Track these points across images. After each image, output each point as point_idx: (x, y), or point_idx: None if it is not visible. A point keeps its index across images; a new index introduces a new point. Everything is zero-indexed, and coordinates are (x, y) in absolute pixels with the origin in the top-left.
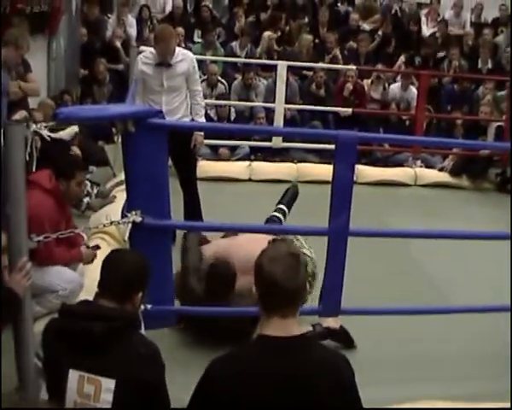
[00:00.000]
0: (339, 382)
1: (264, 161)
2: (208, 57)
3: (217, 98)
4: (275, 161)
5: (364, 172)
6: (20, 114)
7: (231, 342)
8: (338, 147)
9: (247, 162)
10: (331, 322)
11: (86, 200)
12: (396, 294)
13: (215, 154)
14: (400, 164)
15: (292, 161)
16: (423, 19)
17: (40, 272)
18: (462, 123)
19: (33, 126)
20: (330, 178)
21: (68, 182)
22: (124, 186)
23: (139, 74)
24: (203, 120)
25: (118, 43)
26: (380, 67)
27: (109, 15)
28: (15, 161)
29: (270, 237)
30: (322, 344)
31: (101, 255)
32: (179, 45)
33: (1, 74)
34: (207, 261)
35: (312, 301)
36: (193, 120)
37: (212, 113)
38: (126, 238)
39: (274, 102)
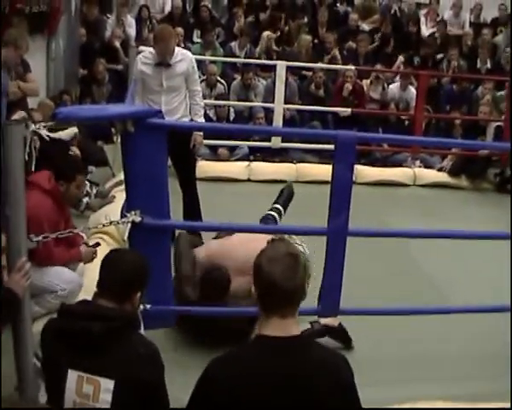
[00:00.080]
0: (338, 382)
1: (264, 161)
2: (207, 57)
3: (216, 98)
4: (274, 162)
5: (363, 172)
6: (19, 115)
7: (229, 343)
8: (337, 147)
9: (246, 162)
10: (329, 320)
11: (85, 200)
12: (395, 294)
13: (214, 154)
14: (399, 164)
15: (291, 162)
16: (422, 19)
17: (39, 273)
18: (462, 123)
19: (32, 126)
20: (329, 179)
21: (68, 184)
22: (123, 186)
23: (138, 74)
24: (202, 120)
25: (117, 44)
26: (379, 67)
27: (108, 15)
28: (14, 161)
29: (265, 236)
30: (322, 344)
31: (101, 255)
32: (178, 45)
33: (0, 74)
34: (201, 266)
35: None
36: (192, 120)
37: (211, 113)
38: (125, 238)
39: (273, 102)
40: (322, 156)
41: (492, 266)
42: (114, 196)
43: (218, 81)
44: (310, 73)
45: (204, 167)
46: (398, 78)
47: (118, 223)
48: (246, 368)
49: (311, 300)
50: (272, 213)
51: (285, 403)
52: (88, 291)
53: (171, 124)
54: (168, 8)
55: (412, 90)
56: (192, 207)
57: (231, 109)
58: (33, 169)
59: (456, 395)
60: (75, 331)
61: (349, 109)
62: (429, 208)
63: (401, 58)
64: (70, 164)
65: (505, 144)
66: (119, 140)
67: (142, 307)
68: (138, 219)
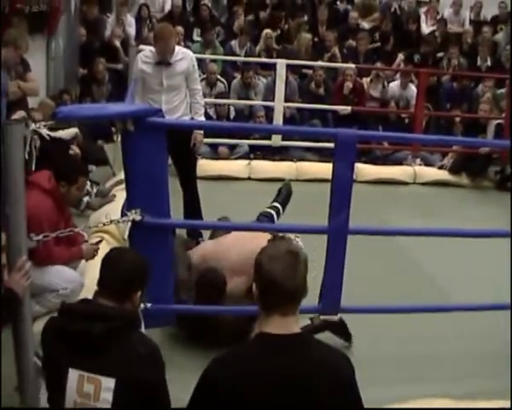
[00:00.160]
0: (338, 381)
1: (264, 159)
2: (207, 56)
3: (216, 97)
4: (274, 160)
5: (364, 170)
6: (19, 115)
7: (229, 343)
8: (337, 145)
9: (246, 161)
10: None
11: (86, 199)
12: (395, 292)
13: (214, 152)
14: (399, 162)
15: (291, 160)
16: (422, 17)
17: (40, 272)
18: (462, 121)
19: (32, 125)
20: (329, 177)
21: (70, 186)
22: (123, 185)
23: (139, 73)
24: (203, 118)
25: (117, 43)
26: (379, 65)
27: (108, 15)
28: (15, 161)
29: (261, 235)
30: (323, 342)
31: (101, 254)
32: (178, 44)
33: (0, 74)
34: (196, 268)
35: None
36: (192, 118)
37: (211, 111)
38: (126, 237)
39: (273, 100)
40: (322, 154)
41: (492, 264)
42: (115, 195)
43: (219, 80)
44: (310, 72)
45: (204, 166)
46: (398, 76)
47: (118, 222)
48: (246, 368)
49: (311, 298)
50: (269, 210)
51: (285, 403)
52: (89, 290)
53: (171, 123)
54: (168, 7)
55: (412, 88)
56: (192, 206)
57: (231, 108)
58: (33, 168)
59: (456, 394)
60: (76, 331)
61: (349, 107)
62: (429, 206)
63: (401, 56)
64: (72, 165)
65: (505, 142)
66: (119, 139)
67: (142, 305)
68: (138, 217)
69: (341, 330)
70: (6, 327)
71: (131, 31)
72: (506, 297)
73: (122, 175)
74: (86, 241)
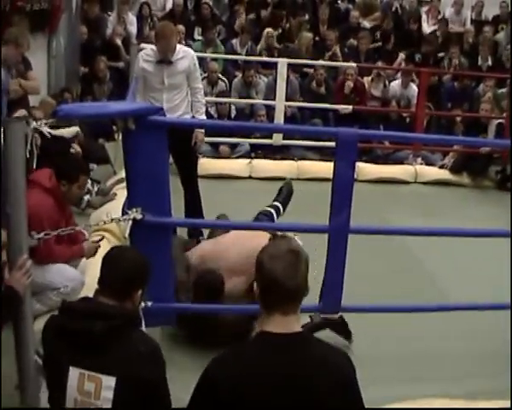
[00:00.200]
0: (339, 380)
1: (265, 158)
2: (209, 55)
3: (217, 96)
4: (275, 159)
5: (365, 169)
6: (20, 113)
7: (229, 342)
8: (338, 144)
9: (247, 160)
10: None
11: (87, 198)
12: (396, 291)
13: (215, 151)
14: (400, 161)
15: (292, 159)
16: (424, 16)
17: (41, 270)
18: (463, 121)
19: (33, 124)
20: (330, 176)
21: (71, 185)
22: (124, 184)
23: (140, 72)
24: (204, 117)
25: (118, 41)
26: (380, 64)
27: (109, 13)
28: (15, 159)
29: (260, 234)
30: (324, 341)
31: (102, 253)
32: (180, 43)
33: (1, 72)
34: (194, 269)
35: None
36: (193, 117)
37: (212, 110)
38: (127, 236)
39: (274, 99)
40: (323, 153)
41: (493, 264)
42: (115, 194)
43: (220, 78)
44: (311, 71)
45: (205, 165)
46: (399, 75)
47: (119, 220)
48: (246, 367)
49: (312, 297)
50: (269, 209)
51: (285, 403)
52: (90, 289)
53: (172, 121)
54: (169, 6)
55: (413, 87)
56: (193, 205)
57: (232, 107)
58: (34, 166)
59: (456, 394)
60: (76, 330)
61: (350, 107)
62: (430, 206)
63: (402, 55)
64: (73, 164)
65: (506, 141)
66: (120, 138)
67: (143, 304)
68: (139, 216)
69: (342, 328)
70: (6, 325)
71: (133, 29)
72: (506, 297)
73: (123, 174)
74: (86, 239)
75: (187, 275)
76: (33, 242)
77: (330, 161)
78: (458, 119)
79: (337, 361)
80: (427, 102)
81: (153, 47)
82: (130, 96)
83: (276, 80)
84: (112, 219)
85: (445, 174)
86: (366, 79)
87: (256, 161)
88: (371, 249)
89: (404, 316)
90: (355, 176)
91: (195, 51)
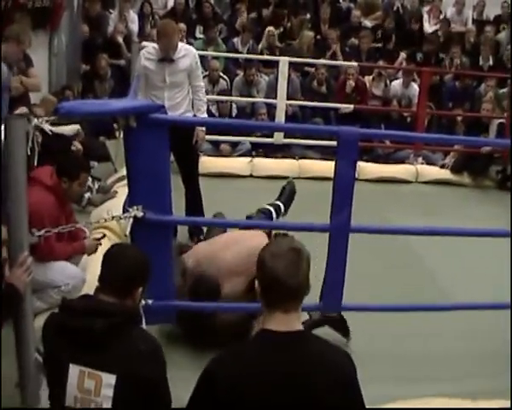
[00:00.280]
0: (338, 379)
1: (266, 157)
2: (210, 53)
3: (218, 94)
4: (276, 157)
5: (366, 168)
6: (21, 111)
7: (227, 342)
8: (340, 143)
9: (248, 158)
10: None
11: (87, 195)
12: (396, 290)
13: (216, 150)
14: (401, 161)
15: (293, 158)
16: (425, 16)
17: (42, 268)
18: (464, 120)
19: (35, 121)
20: (331, 175)
21: (71, 182)
22: (125, 181)
23: (141, 70)
24: (205, 115)
25: (119, 39)
26: (381, 63)
27: (111, 11)
28: (16, 156)
29: (256, 234)
30: (325, 340)
31: (103, 250)
32: (181, 41)
33: (1, 69)
34: (190, 273)
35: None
36: (195, 115)
37: (213, 109)
38: (127, 233)
39: (275, 98)
40: (324, 152)
41: (493, 264)
42: (116, 192)
43: (221, 77)
44: (312, 70)
45: (206, 163)
46: (400, 74)
47: (120, 218)
48: (246, 366)
49: (313, 295)
50: (268, 207)
51: (285, 401)
52: (90, 286)
53: (174, 119)
54: (171, 4)
55: (415, 86)
56: (194, 203)
57: (233, 105)
58: (35, 164)
59: (456, 393)
60: (77, 328)
61: (351, 106)
62: (431, 205)
63: (403, 55)
64: (74, 161)
65: (506, 141)
66: (121, 135)
67: (143, 302)
68: (140, 214)
69: (340, 325)
70: (7, 323)
71: (134, 27)
72: (506, 297)
73: (124, 171)
74: (86, 237)
75: (183, 279)
76: (34, 239)
77: (331, 160)
78: (459, 118)
79: (337, 360)
80: (428, 101)
81: (154, 45)
82: (131, 94)
83: (277, 79)
84: (112, 217)
85: (445, 174)
86: (367, 79)
87: (257, 160)
88: (372, 248)
89: (404, 315)
90: (356, 175)
91: (197, 49)
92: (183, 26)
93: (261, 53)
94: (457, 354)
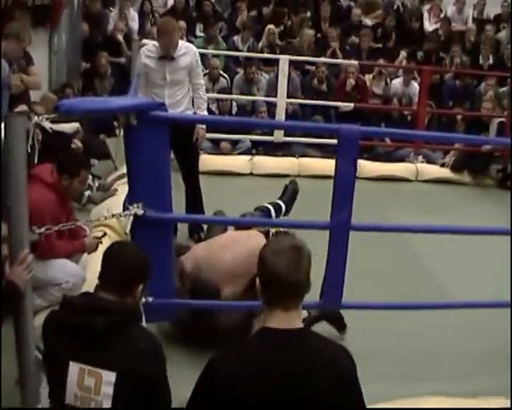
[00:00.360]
0: (338, 376)
1: (266, 155)
2: (210, 51)
3: (219, 92)
4: (276, 156)
5: (366, 167)
6: (21, 108)
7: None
8: (340, 141)
9: (248, 156)
10: None
11: (87, 193)
12: (396, 289)
13: (216, 148)
14: (402, 159)
15: (293, 156)
16: (425, 15)
17: (43, 266)
18: (464, 119)
19: (35, 118)
20: (332, 173)
21: (72, 179)
22: (125, 179)
23: (142, 68)
24: (205, 113)
25: (119, 37)
26: (382, 62)
27: (111, 9)
28: (17, 154)
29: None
30: (325, 337)
31: (103, 248)
32: (181, 39)
33: (1, 67)
34: (188, 276)
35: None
36: (195, 113)
37: (213, 107)
38: (127, 231)
39: (276, 96)
40: (324, 151)
41: (493, 262)
42: (116, 190)
43: (221, 75)
44: (312, 68)
45: (206, 161)
46: (400, 73)
47: (120, 216)
48: (246, 364)
49: (313, 294)
50: (267, 205)
51: (285, 399)
52: (91, 284)
53: (174, 117)
54: (171, 2)
55: (415, 85)
56: (194, 201)
57: (234, 103)
58: (36, 161)
59: (456, 393)
60: (77, 325)
61: (351, 104)
62: (431, 204)
63: (404, 53)
64: (74, 159)
65: (506, 140)
66: (121, 133)
67: (143, 299)
68: (140, 212)
69: (337, 320)
70: (7, 320)
71: (134, 25)
72: (506, 295)
73: (124, 169)
74: (87, 235)
75: (181, 283)
76: (34, 236)
77: (331, 158)
78: (459, 117)
79: (337, 357)
80: (428, 100)
81: (155, 43)
82: (131, 92)
83: (277, 77)
84: (113, 215)
85: (445, 172)
86: (367, 77)
87: (257, 158)
88: (372, 246)
89: (404, 313)
90: (356, 173)
91: (197, 48)
92: (183, 23)
93: (261, 51)
94: (457, 353)
